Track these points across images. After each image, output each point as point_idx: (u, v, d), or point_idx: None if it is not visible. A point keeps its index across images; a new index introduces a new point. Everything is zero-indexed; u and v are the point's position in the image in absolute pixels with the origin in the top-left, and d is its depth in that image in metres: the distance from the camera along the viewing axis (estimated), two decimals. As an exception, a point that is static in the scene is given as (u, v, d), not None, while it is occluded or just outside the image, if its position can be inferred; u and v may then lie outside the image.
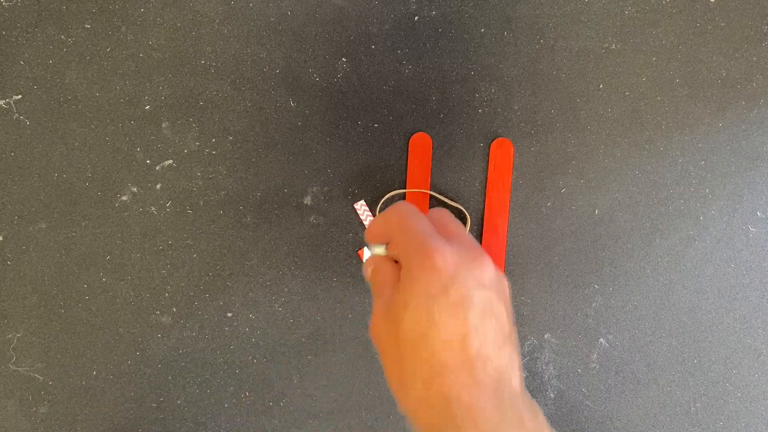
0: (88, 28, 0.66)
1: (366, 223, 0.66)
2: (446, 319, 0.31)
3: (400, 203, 0.40)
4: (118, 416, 0.67)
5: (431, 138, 0.67)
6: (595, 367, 0.67)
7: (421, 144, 0.67)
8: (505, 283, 0.37)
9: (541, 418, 0.34)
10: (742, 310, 0.67)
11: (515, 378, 0.34)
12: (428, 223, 0.37)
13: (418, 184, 0.67)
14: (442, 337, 0.31)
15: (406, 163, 0.67)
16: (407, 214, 0.38)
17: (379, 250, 0.41)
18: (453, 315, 0.31)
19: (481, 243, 0.67)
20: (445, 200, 0.66)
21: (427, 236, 0.34)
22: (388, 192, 0.66)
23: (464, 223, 0.67)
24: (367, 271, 0.41)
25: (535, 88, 0.67)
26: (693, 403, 0.67)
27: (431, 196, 0.67)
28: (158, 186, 0.67)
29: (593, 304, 0.67)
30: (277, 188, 0.67)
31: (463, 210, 0.66)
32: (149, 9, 0.66)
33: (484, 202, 0.67)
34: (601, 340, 0.67)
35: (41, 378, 0.67)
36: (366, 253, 0.66)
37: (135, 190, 0.67)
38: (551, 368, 0.67)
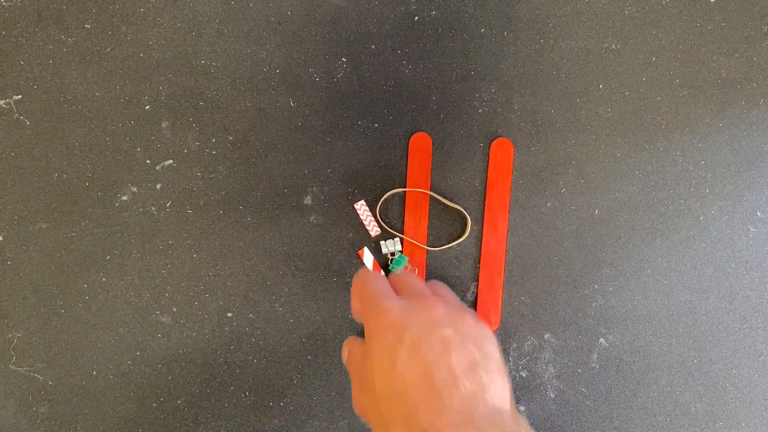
0: (88, 28, 0.66)
1: (366, 223, 0.66)
2: (406, 363, 0.34)
3: (359, 272, 0.44)
4: (118, 416, 0.67)
5: (431, 138, 0.67)
6: (595, 367, 0.67)
7: (421, 144, 0.67)
8: (466, 315, 0.39)
9: (525, 428, 0.35)
10: (742, 310, 0.67)
11: (492, 396, 0.35)
12: (382, 284, 0.41)
13: (418, 184, 0.67)
14: (407, 379, 0.34)
15: (406, 163, 0.67)
16: (362, 281, 0.42)
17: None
18: (411, 357, 0.34)
19: (481, 243, 0.67)
20: (445, 201, 0.66)
21: (378, 296, 0.39)
22: (388, 192, 0.66)
23: (464, 224, 0.67)
24: (344, 356, 0.44)
25: (535, 88, 0.67)
26: (693, 403, 0.67)
27: (431, 196, 0.67)
28: (158, 186, 0.67)
29: (593, 304, 0.67)
30: (277, 188, 0.67)
31: (463, 211, 0.66)
32: (149, 9, 0.66)
33: (484, 202, 0.67)
34: (601, 340, 0.67)
35: (41, 378, 0.67)
36: (366, 253, 0.66)
37: (135, 190, 0.67)
38: (551, 368, 0.67)
